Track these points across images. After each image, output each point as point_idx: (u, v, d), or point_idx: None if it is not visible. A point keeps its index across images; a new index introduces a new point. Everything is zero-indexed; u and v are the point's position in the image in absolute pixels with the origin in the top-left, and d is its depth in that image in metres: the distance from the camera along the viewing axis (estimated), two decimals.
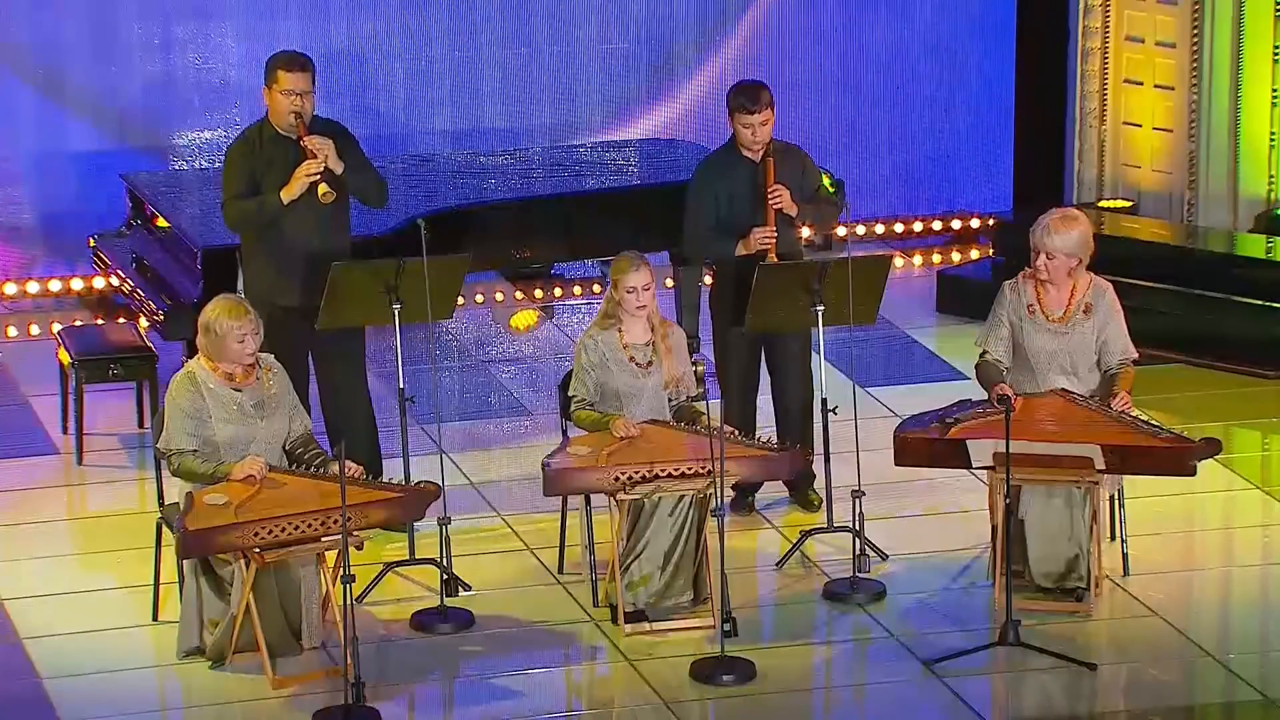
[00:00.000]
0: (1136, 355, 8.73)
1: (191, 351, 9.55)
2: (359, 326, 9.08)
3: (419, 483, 8.35)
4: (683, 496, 8.39)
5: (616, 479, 8.34)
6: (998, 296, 8.74)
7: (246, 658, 8.13)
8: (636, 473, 8.34)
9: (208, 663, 8.18)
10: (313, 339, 9.02)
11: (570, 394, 8.67)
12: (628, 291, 8.53)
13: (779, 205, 9.11)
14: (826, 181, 10.15)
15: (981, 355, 8.73)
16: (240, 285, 9.30)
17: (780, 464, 8.62)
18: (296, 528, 8.02)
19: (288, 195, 8.94)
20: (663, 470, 8.35)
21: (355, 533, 8.05)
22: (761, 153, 9.16)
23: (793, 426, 9.26)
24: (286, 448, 8.34)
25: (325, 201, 8.92)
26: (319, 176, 8.94)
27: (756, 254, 9.09)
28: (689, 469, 8.35)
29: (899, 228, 12.46)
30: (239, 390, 8.23)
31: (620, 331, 8.60)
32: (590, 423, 8.58)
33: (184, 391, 8.21)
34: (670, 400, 8.66)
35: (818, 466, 9.09)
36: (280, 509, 8.03)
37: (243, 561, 8.03)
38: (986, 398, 8.63)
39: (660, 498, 8.38)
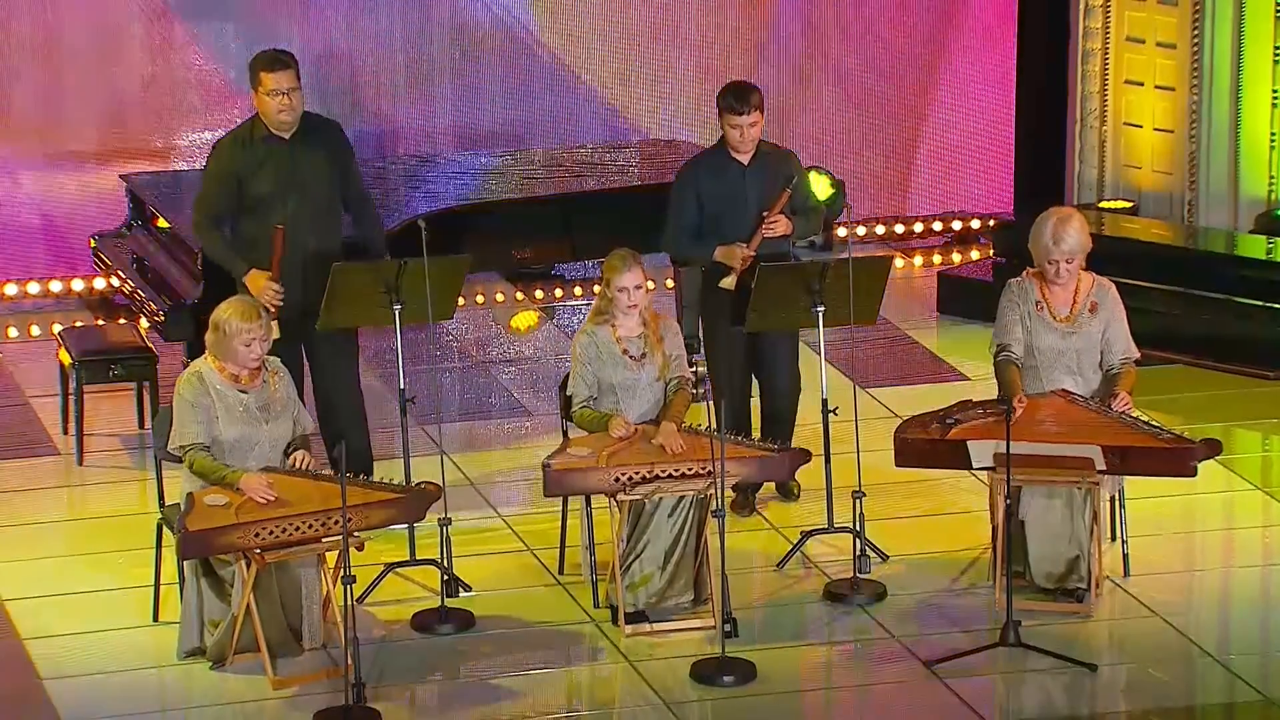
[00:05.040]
0: (1139, 355, 8.75)
1: (192, 352, 9.58)
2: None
3: (420, 483, 8.37)
4: (683, 497, 8.42)
5: (617, 479, 8.36)
6: (1004, 294, 8.74)
7: (247, 658, 8.14)
8: (636, 473, 8.35)
9: (208, 663, 8.19)
10: (309, 336, 9.01)
11: (570, 393, 8.69)
12: (619, 291, 8.56)
13: (771, 234, 9.13)
14: (827, 183, 10.20)
15: (1000, 352, 8.71)
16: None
17: (780, 465, 8.65)
18: (297, 529, 8.04)
19: (250, 285, 8.97)
20: (663, 471, 8.36)
21: (356, 533, 8.05)
22: (750, 156, 9.16)
23: (781, 423, 9.29)
24: (286, 450, 8.34)
25: (274, 338, 8.83)
26: (274, 313, 8.94)
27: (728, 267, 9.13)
28: (689, 469, 8.36)
29: (899, 228, 12.47)
30: (245, 392, 8.24)
31: (613, 326, 8.63)
32: (590, 422, 8.59)
33: (192, 388, 8.22)
34: (667, 390, 8.65)
35: (818, 467, 9.04)
36: (281, 510, 8.05)
37: (243, 562, 8.04)
38: (987, 399, 8.63)
39: (660, 498, 8.39)
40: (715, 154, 9.26)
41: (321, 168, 9.10)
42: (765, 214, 9.15)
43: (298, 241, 9.05)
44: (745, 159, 9.21)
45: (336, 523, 7.96)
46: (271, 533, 8.00)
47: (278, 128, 9.06)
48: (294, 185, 9.03)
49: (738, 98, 9.11)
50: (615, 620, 8.43)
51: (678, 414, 8.53)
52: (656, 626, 8.42)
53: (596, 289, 11.77)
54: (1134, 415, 8.62)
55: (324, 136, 9.20)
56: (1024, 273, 8.75)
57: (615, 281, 8.55)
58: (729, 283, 9.14)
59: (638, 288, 8.54)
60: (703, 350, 9.55)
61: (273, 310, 8.94)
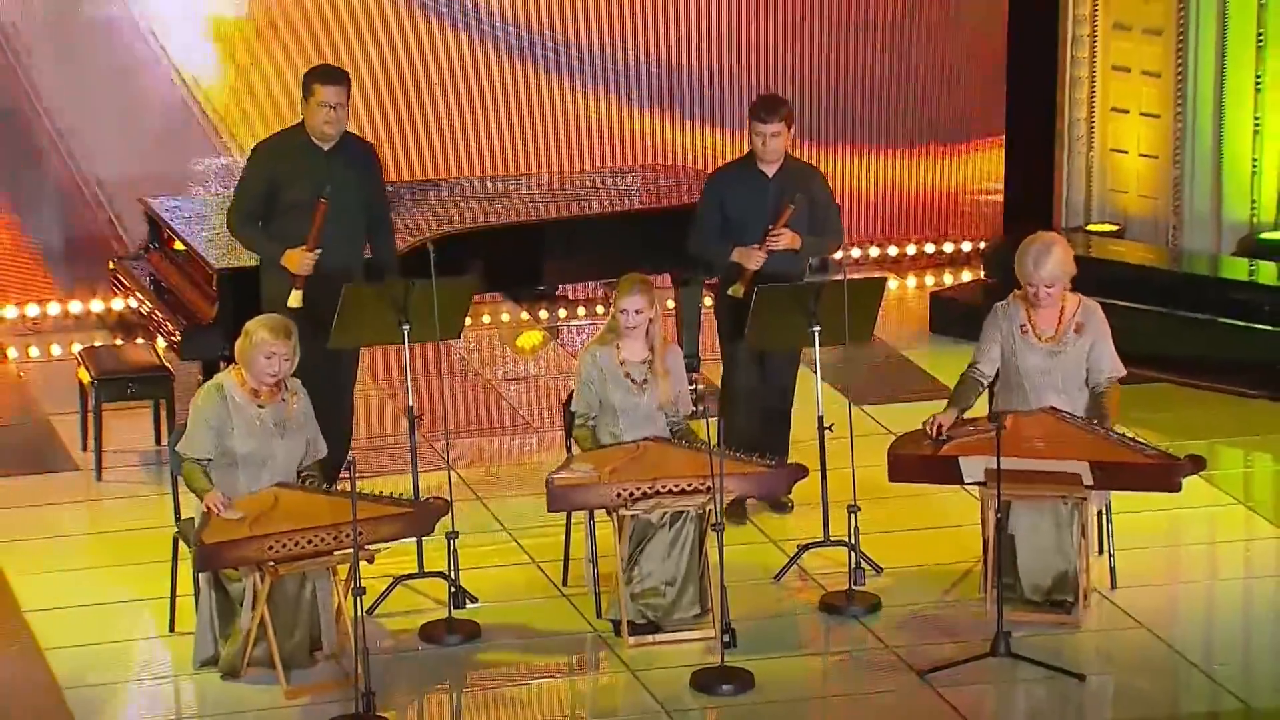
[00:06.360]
0: (1124, 372, 8.79)
1: (207, 372, 9.63)
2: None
3: (428, 498, 8.46)
4: (682, 512, 8.49)
5: (618, 495, 8.43)
6: (990, 316, 8.80)
7: (258, 670, 8.20)
8: (638, 489, 8.43)
9: (220, 674, 8.26)
10: (318, 347, 9.03)
11: (573, 409, 8.77)
12: (620, 312, 8.64)
13: (775, 247, 9.30)
14: None
15: (969, 368, 8.80)
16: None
17: (778, 480, 8.72)
18: (310, 542, 8.11)
19: (288, 264, 9.16)
20: (663, 487, 8.45)
21: (366, 547, 8.13)
22: (776, 168, 9.33)
23: (773, 434, 9.40)
24: (299, 470, 8.40)
25: (291, 305, 9.08)
26: (299, 282, 9.14)
27: (745, 269, 9.27)
28: (689, 485, 8.46)
29: (893, 250, 12.52)
30: (263, 407, 8.30)
31: (618, 348, 8.70)
32: (584, 442, 8.68)
33: (210, 401, 8.28)
34: (667, 417, 8.76)
35: (814, 482, 9.07)
36: (293, 523, 8.13)
37: (257, 575, 8.11)
38: (978, 416, 8.70)
39: (662, 513, 8.47)
40: (742, 163, 9.44)
41: (353, 185, 9.23)
42: (770, 227, 9.36)
43: (324, 257, 9.18)
44: (770, 170, 9.37)
45: (348, 536, 8.03)
46: (285, 546, 8.07)
47: (319, 138, 9.21)
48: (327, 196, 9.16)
49: (765, 107, 9.34)
50: (618, 632, 8.50)
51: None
52: (658, 638, 8.47)
53: (600, 310, 11.96)
54: (1120, 433, 8.69)
55: (359, 155, 9.34)
56: (1011, 295, 8.81)
57: (619, 302, 8.64)
58: (737, 290, 9.30)
59: (638, 311, 8.59)
60: (709, 369, 9.73)
61: (298, 279, 9.07)
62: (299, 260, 9.16)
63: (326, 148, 9.26)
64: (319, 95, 9.20)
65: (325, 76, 9.26)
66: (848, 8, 12.28)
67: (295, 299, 9.14)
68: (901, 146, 12.45)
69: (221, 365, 9.57)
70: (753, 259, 9.29)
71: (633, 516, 8.48)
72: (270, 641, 8.13)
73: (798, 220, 9.37)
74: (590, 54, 11.99)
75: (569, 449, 8.94)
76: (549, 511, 8.57)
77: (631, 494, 8.44)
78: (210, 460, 8.25)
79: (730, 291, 9.32)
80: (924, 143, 12.46)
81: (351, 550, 8.00)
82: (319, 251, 9.15)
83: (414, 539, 8.70)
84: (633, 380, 8.68)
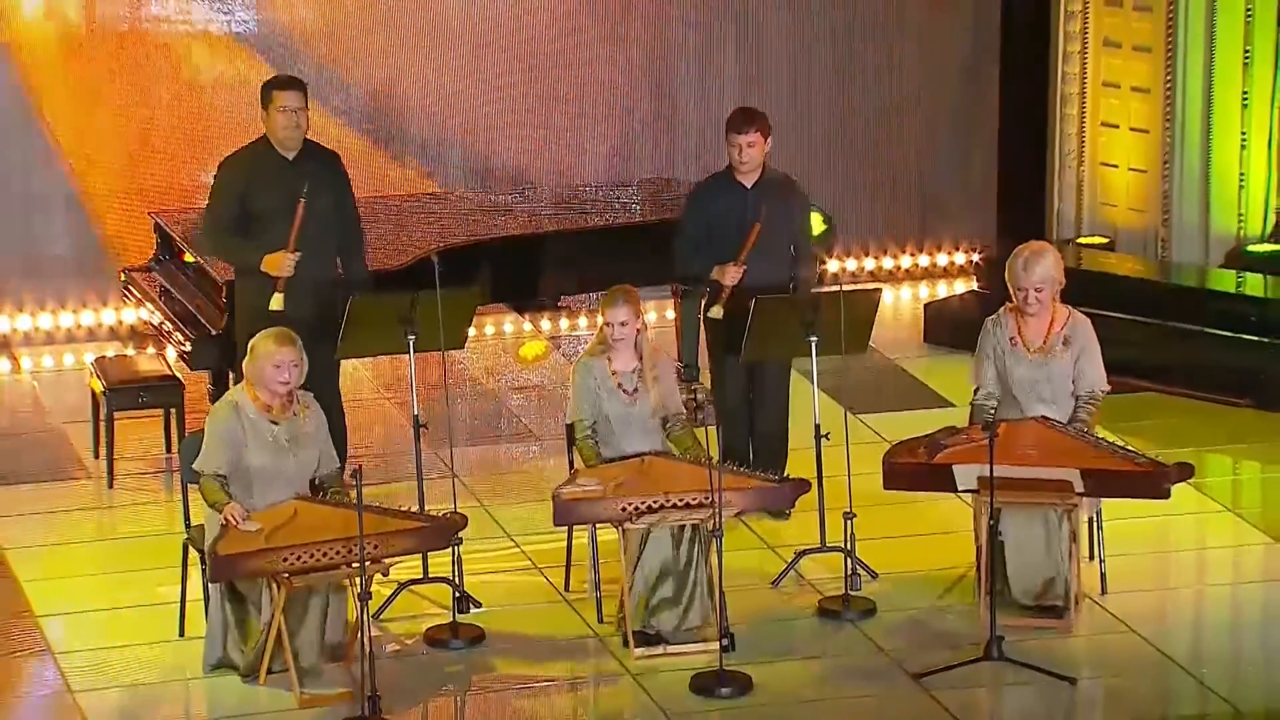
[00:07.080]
0: (1108, 388, 8.86)
1: (216, 381, 9.70)
2: (332, 337, 9.14)
3: (448, 512, 8.49)
4: (684, 525, 8.53)
5: (624, 509, 8.48)
6: (981, 332, 8.88)
7: (273, 675, 8.27)
8: (643, 503, 8.49)
9: (236, 675, 8.33)
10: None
11: (571, 421, 8.79)
12: (605, 325, 8.72)
13: (734, 282, 9.35)
14: (820, 219, 10.41)
15: (977, 392, 8.88)
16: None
17: (782, 495, 8.75)
18: (325, 554, 8.17)
19: (268, 267, 9.23)
20: (668, 501, 8.50)
21: (382, 560, 8.19)
22: (755, 180, 9.43)
23: (768, 449, 9.50)
24: (316, 482, 8.46)
25: (273, 309, 9.16)
26: (281, 284, 9.21)
27: (722, 287, 9.38)
28: (694, 499, 8.48)
29: (888, 262, 12.60)
30: (275, 423, 8.36)
31: (609, 360, 8.76)
32: (585, 456, 8.74)
33: (225, 417, 8.35)
34: (666, 424, 8.82)
35: (811, 490, 9.04)
36: (309, 536, 8.20)
37: (274, 585, 8.17)
38: (971, 425, 8.79)
39: (666, 526, 8.52)
40: (722, 176, 9.54)
41: (321, 190, 9.28)
42: (746, 236, 9.35)
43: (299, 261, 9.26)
44: (748, 181, 9.47)
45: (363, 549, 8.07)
46: (300, 558, 8.13)
47: (282, 145, 9.25)
48: (295, 203, 9.19)
49: (741, 118, 9.46)
50: (626, 644, 8.51)
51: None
52: (667, 649, 8.49)
53: (600, 320, 12.05)
54: (1110, 441, 8.79)
55: (325, 163, 9.39)
56: (1003, 307, 8.89)
57: (604, 315, 8.72)
58: (717, 312, 9.41)
59: (623, 323, 8.65)
60: (706, 378, 9.85)
61: (279, 282, 9.12)
62: (279, 262, 9.22)
63: (291, 156, 9.31)
64: (278, 101, 9.26)
65: (283, 83, 9.33)
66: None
67: (277, 301, 9.20)
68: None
69: (229, 375, 9.68)
70: (728, 274, 9.39)
71: (638, 530, 8.52)
72: (286, 651, 8.20)
73: (779, 231, 9.42)
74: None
75: (571, 462, 9.00)
76: (555, 525, 8.61)
77: (637, 508, 8.50)
78: (226, 476, 8.32)
79: (710, 314, 9.41)
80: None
81: (367, 563, 8.05)
82: (299, 254, 9.23)
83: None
84: (624, 390, 8.75)
